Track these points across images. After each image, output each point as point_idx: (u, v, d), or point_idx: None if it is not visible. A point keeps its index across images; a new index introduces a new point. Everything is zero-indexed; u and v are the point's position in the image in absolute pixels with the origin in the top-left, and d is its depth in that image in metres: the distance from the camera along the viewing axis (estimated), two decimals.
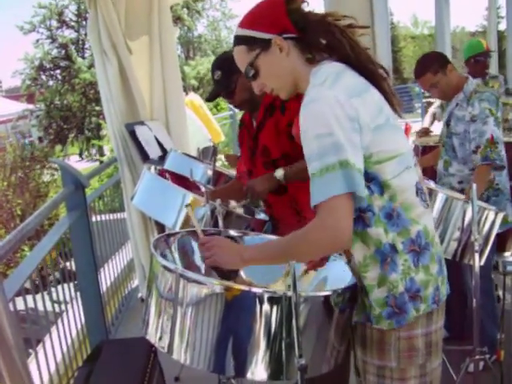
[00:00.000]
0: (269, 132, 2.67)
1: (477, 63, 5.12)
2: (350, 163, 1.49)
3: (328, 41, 1.68)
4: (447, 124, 3.45)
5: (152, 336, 1.65)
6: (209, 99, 2.86)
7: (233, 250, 1.71)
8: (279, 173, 2.55)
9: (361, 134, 1.56)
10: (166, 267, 1.61)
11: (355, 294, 1.69)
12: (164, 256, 1.83)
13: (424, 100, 17.15)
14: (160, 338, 1.61)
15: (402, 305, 1.63)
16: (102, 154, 19.08)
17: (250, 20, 1.74)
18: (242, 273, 2.03)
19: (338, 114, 1.52)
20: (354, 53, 1.67)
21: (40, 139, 19.61)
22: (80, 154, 23.67)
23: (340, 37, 1.66)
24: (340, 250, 1.62)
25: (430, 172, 3.63)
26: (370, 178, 1.60)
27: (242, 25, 1.74)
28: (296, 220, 2.66)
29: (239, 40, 1.75)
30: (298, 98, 2.52)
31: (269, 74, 1.74)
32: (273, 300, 1.49)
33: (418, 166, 1.76)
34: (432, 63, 3.30)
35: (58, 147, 20.25)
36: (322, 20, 1.67)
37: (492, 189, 3.31)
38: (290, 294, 1.44)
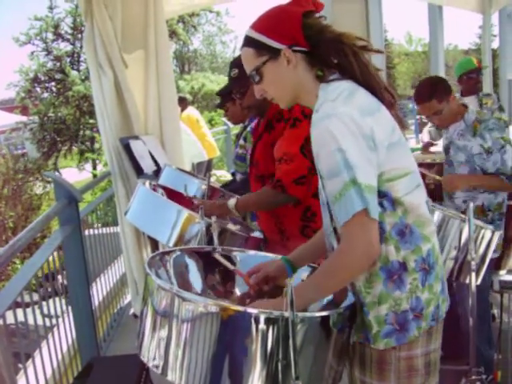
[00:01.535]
0: (262, 147, 2.68)
1: (469, 80, 5.16)
2: (360, 182, 1.49)
3: (339, 61, 1.67)
4: (446, 151, 3.43)
5: (146, 356, 1.61)
6: (220, 94, 2.85)
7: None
8: (231, 202, 2.58)
9: (376, 152, 1.55)
10: (161, 286, 1.58)
11: (354, 313, 1.66)
12: (159, 274, 1.80)
13: (418, 116, 17.24)
14: (154, 358, 1.58)
15: (404, 323, 1.62)
16: (94, 168, 19.03)
17: (263, 25, 1.71)
18: (237, 291, 2.01)
19: (354, 131, 1.52)
20: (363, 77, 1.67)
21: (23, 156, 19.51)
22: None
23: (352, 59, 1.65)
24: (370, 263, 1.59)
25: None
26: (381, 194, 1.59)
27: (255, 27, 1.72)
28: (279, 238, 2.65)
29: (249, 42, 1.73)
30: (284, 119, 2.54)
31: (271, 83, 1.73)
32: (269, 321, 1.46)
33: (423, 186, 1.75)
34: (438, 90, 3.20)
35: (51, 160, 20.19)
36: (336, 39, 1.66)
37: (498, 212, 3.27)
38: (286, 314, 1.41)
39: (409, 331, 1.63)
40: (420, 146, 6.07)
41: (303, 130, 2.43)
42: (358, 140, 1.52)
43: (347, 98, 1.60)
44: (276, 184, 2.50)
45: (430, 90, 3.21)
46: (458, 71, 5.31)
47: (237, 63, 2.70)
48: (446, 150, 3.42)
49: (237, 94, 2.73)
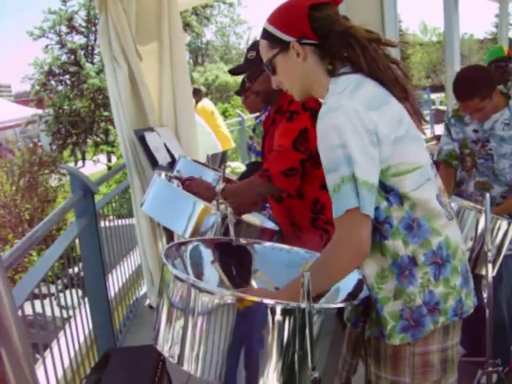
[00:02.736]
0: (269, 140, 2.67)
1: (498, 69, 5.02)
2: (358, 178, 1.48)
3: (348, 54, 1.67)
4: (482, 144, 3.20)
5: (162, 346, 1.62)
6: (232, 72, 2.83)
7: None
8: (218, 187, 2.56)
9: (380, 148, 1.54)
10: (177, 277, 1.59)
11: (369, 306, 1.66)
12: (175, 265, 1.81)
13: (432, 107, 17.16)
14: (170, 348, 1.59)
15: (419, 318, 1.61)
16: (109, 160, 19.13)
17: (275, 17, 1.74)
18: (253, 283, 2.01)
19: (357, 126, 1.51)
20: (371, 71, 1.65)
21: (50, 145, 19.71)
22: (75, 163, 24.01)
23: (359, 53, 1.64)
24: (362, 261, 1.59)
25: None
26: (388, 189, 1.58)
27: (269, 20, 1.75)
28: (292, 231, 2.64)
29: (264, 34, 1.77)
30: (282, 111, 2.53)
31: (283, 74, 1.76)
32: (286, 312, 1.46)
33: (437, 177, 1.73)
34: (482, 88, 2.93)
35: (66, 152, 20.35)
36: (345, 32, 1.65)
37: None
38: (303, 305, 1.41)
39: (424, 326, 1.61)
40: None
41: (299, 123, 2.41)
42: (360, 135, 1.51)
43: (353, 92, 1.59)
44: (263, 173, 2.47)
45: (473, 89, 2.95)
46: (487, 59, 5.21)
47: (256, 47, 2.67)
48: (483, 143, 3.18)
49: (249, 77, 2.71)
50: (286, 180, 2.44)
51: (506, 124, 3.10)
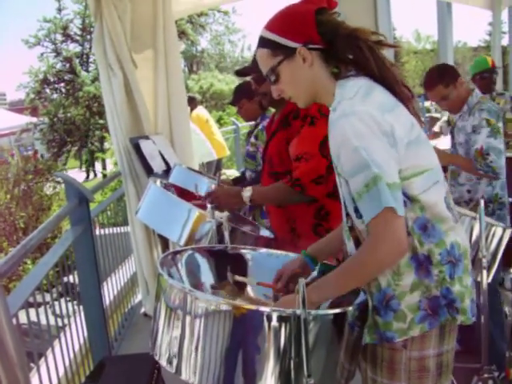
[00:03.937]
0: (276, 144, 2.66)
1: (482, 80, 5.10)
2: (382, 179, 1.48)
3: (355, 56, 1.66)
4: (452, 135, 3.52)
5: (160, 356, 1.62)
6: (239, 73, 2.81)
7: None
8: (246, 193, 2.56)
9: (396, 149, 1.54)
10: (173, 286, 1.59)
11: (366, 312, 1.65)
12: (171, 274, 1.81)
13: (427, 114, 17.19)
14: (168, 357, 1.58)
15: (436, 307, 1.62)
16: (104, 168, 19.11)
17: (277, 24, 1.71)
18: (249, 290, 2.01)
19: (374, 129, 1.51)
20: (380, 72, 1.65)
21: (42, 156, 19.70)
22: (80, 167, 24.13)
23: (368, 54, 1.64)
24: (400, 259, 1.58)
25: None
26: None
27: (269, 27, 1.71)
28: (290, 236, 2.63)
29: (264, 42, 1.73)
30: (300, 117, 2.52)
31: (289, 82, 1.72)
32: (282, 319, 1.46)
33: (445, 181, 1.74)
34: (443, 76, 3.30)
35: (65, 158, 20.35)
36: (351, 34, 1.65)
37: (497, 202, 3.31)
38: (299, 312, 1.41)
39: (440, 315, 1.62)
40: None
41: (321, 128, 2.41)
42: (378, 137, 1.51)
43: (365, 96, 1.59)
44: (295, 183, 2.47)
45: (435, 76, 3.33)
46: (472, 70, 5.28)
47: None
48: (451, 133, 3.55)
49: (256, 79, 2.69)
50: (317, 188, 2.46)
51: (462, 116, 3.39)
